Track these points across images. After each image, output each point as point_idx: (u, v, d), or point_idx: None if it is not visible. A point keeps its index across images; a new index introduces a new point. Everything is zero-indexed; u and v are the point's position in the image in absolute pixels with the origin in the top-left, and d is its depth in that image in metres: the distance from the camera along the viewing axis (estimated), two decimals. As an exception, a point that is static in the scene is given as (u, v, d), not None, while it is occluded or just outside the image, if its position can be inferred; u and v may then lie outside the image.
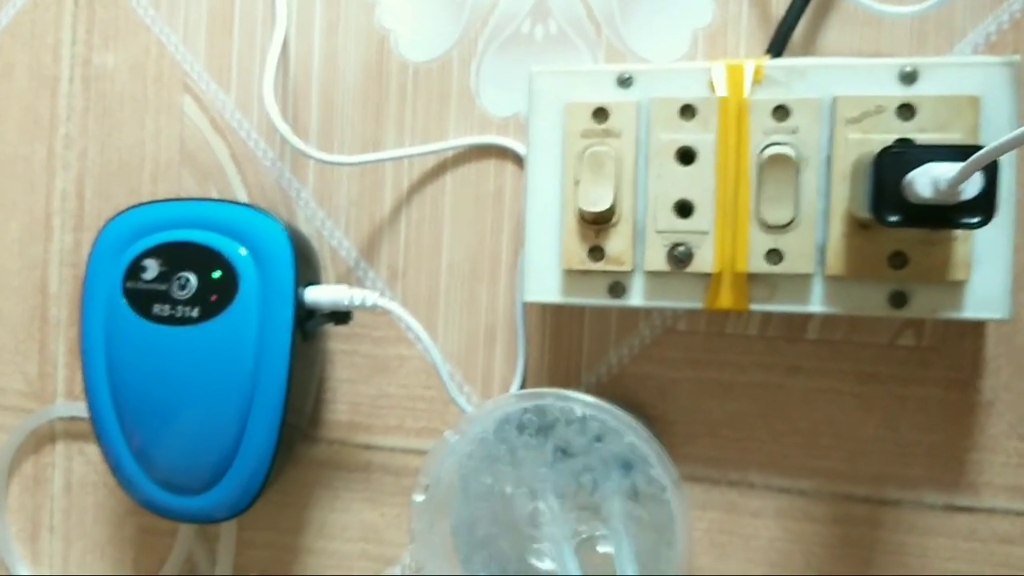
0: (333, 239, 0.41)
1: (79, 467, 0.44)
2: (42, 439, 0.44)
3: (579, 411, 0.29)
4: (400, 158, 0.40)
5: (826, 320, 0.36)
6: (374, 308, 0.36)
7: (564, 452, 0.30)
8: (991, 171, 0.25)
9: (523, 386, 0.39)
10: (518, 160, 0.39)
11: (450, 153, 0.40)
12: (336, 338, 0.41)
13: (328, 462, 0.41)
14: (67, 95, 0.44)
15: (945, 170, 0.24)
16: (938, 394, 0.35)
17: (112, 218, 0.38)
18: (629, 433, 0.28)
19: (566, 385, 0.39)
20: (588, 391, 0.36)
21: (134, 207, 0.38)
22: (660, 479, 0.28)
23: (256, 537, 0.42)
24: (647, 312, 0.38)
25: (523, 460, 0.30)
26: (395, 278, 0.40)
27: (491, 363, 0.40)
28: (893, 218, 0.27)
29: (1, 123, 0.45)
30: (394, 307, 0.36)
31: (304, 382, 0.39)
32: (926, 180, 0.25)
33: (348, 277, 0.41)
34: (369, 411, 0.41)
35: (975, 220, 0.26)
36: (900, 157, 0.26)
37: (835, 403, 0.36)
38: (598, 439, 0.29)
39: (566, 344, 0.39)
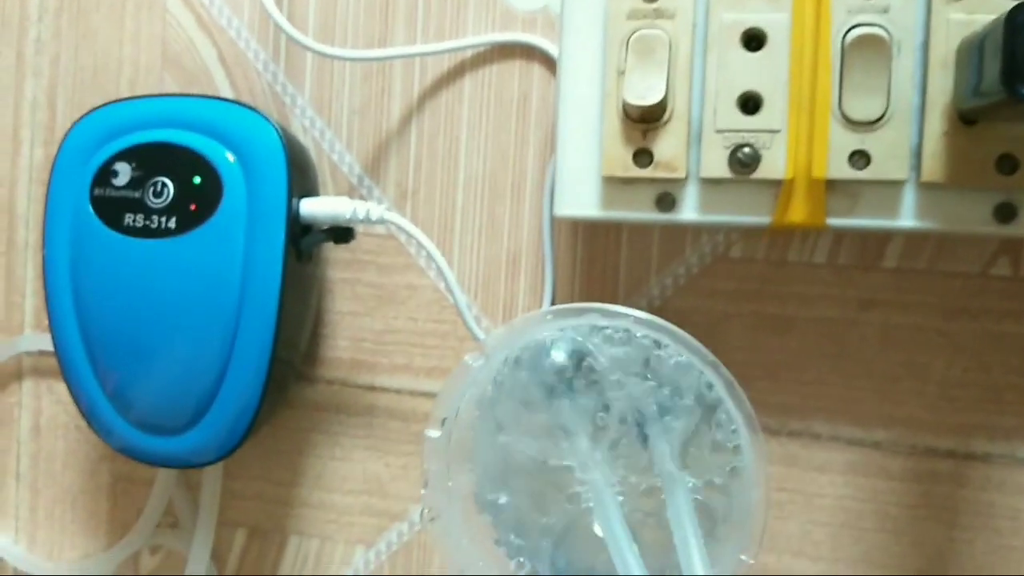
0: (333, 153, 0.35)
1: (48, 407, 0.38)
2: (7, 377, 0.39)
3: (632, 330, 0.23)
4: (410, 56, 0.34)
5: (908, 245, 0.30)
6: (380, 223, 0.31)
7: (608, 382, 0.24)
8: None
9: (550, 320, 0.33)
10: (546, 61, 0.33)
11: (468, 53, 0.34)
12: (336, 265, 0.35)
13: (326, 404, 0.35)
14: (36, -11, 0.38)
15: None
16: (1040, 331, 0.29)
17: (80, 117, 0.32)
18: (692, 359, 0.22)
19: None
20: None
21: (105, 105, 0.32)
22: (731, 418, 0.22)
23: (244, 487, 0.36)
24: (695, 234, 0.32)
25: (558, 391, 0.24)
26: (404, 197, 0.35)
27: (514, 294, 0.34)
28: (1034, 88, 0.21)
29: (-35, 24, 0.39)
30: (404, 222, 0.31)
31: (299, 312, 0.33)
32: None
33: (350, 196, 0.35)
34: (373, 348, 0.35)
35: None
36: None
37: (916, 342, 0.30)
38: (651, 366, 0.24)
39: (600, 273, 0.33)
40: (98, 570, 0.37)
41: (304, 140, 0.35)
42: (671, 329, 0.22)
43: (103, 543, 0.38)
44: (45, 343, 0.37)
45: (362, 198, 0.35)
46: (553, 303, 0.33)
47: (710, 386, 0.23)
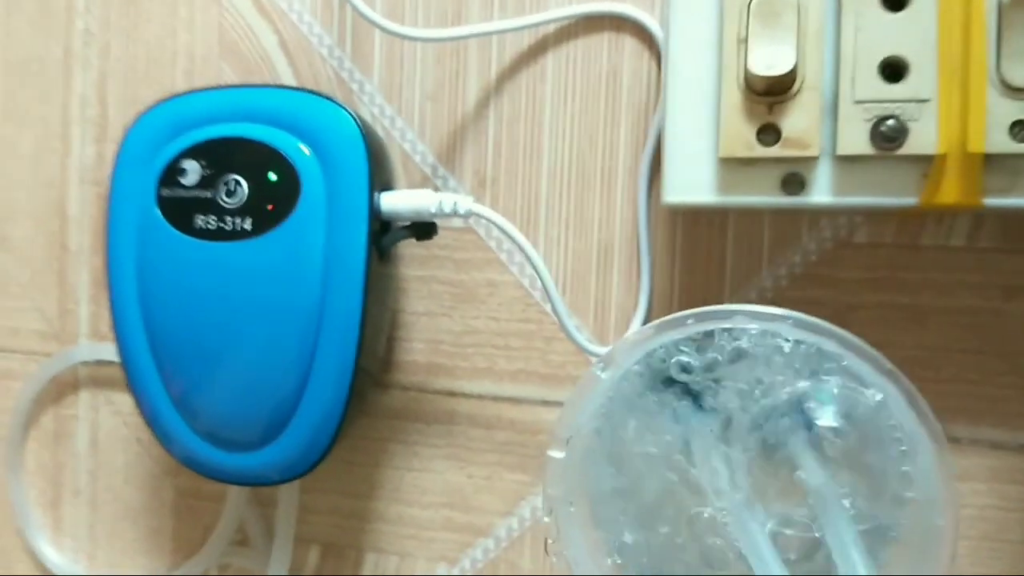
0: (405, 141, 0.32)
1: (107, 420, 0.35)
2: (63, 387, 0.36)
3: (781, 331, 0.20)
4: (487, 34, 0.31)
5: (1057, 225, 0.27)
6: (467, 216, 0.28)
7: (751, 395, 0.21)
8: None
9: (648, 319, 0.30)
10: (639, 32, 0.30)
11: (551, 27, 0.31)
12: (409, 262, 0.32)
13: (403, 412, 0.32)
14: (82, -24, 0.35)
15: None
16: None
17: (142, 112, 0.29)
18: (864, 366, 0.19)
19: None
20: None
21: (169, 98, 0.29)
22: (906, 432, 0.19)
23: (318, 502, 0.33)
24: (813, 218, 0.29)
25: (686, 404, 0.21)
26: (483, 187, 0.32)
27: (606, 290, 0.31)
28: None
29: (8, 19, 0.36)
30: (494, 216, 0.28)
31: (378, 316, 0.30)
32: None
33: (424, 187, 0.32)
34: (452, 350, 0.32)
35: None
36: None
37: (1069, 333, 0.27)
38: (803, 375, 0.20)
39: (703, 264, 0.30)
40: (165, 591, 0.34)
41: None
42: (837, 332, 0.19)
43: (167, 562, 0.35)
44: (103, 352, 0.35)
45: (437, 189, 0.32)
46: (651, 299, 0.30)
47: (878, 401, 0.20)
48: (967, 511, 0.28)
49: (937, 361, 0.28)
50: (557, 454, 0.20)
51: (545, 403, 0.31)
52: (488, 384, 0.32)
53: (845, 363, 0.20)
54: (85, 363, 0.35)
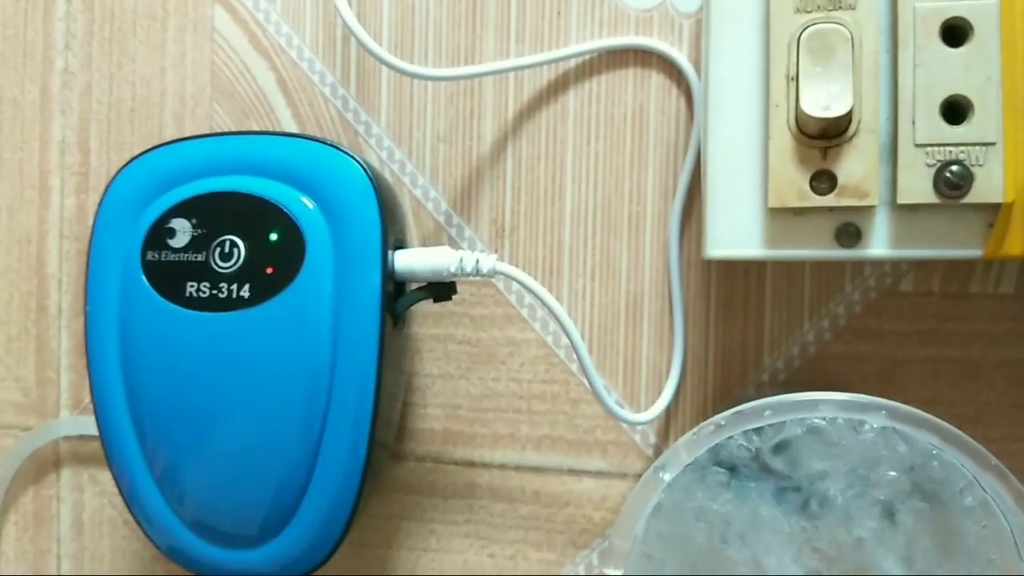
0: (416, 188, 0.31)
1: (91, 500, 0.33)
2: (43, 466, 0.34)
3: (870, 422, 0.18)
4: (503, 71, 0.29)
5: None
6: (491, 276, 0.26)
7: (814, 490, 0.19)
8: None
9: (683, 377, 0.29)
10: (666, 66, 0.29)
11: (572, 63, 0.29)
12: (423, 319, 0.30)
13: (418, 486, 0.31)
14: (65, 17, 0.33)
15: None
16: None
17: (125, 165, 0.28)
18: (966, 463, 0.17)
19: (742, 374, 0.28)
20: (773, 381, 0.26)
21: (155, 148, 0.28)
22: (1011, 535, 0.17)
23: (327, 586, 0.31)
24: (856, 266, 0.27)
25: (762, 509, 0.19)
26: (500, 236, 0.30)
27: (636, 346, 0.29)
28: None
29: (-23, 60, 0.35)
30: (520, 275, 0.26)
31: (394, 384, 0.28)
32: None
33: (437, 237, 0.30)
34: (471, 416, 0.30)
35: None
36: None
37: None
38: (898, 471, 0.19)
39: (740, 316, 0.28)
40: None
41: (380, 176, 0.30)
42: (938, 424, 0.17)
43: (161, 653, 0.33)
44: (86, 427, 0.33)
45: (451, 240, 0.30)
46: (684, 356, 0.29)
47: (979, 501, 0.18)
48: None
49: (988, 418, 0.26)
50: (615, 571, 0.19)
51: (572, 472, 0.30)
52: (510, 452, 0.30)
53: (943, 455, 0.18)
54: (67, 438, 0.33)
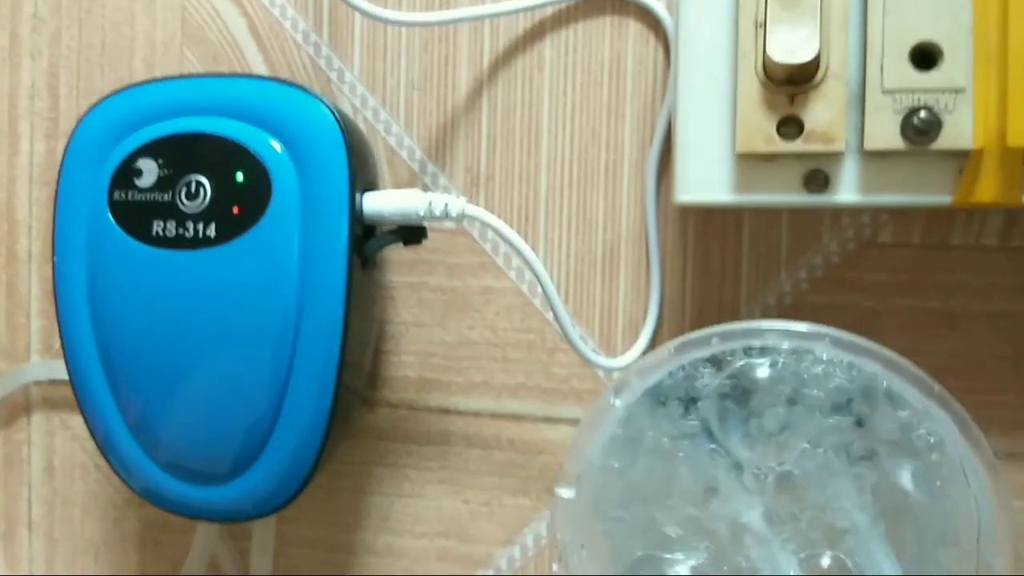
0: (390, 135, 0.31)
1: (63, 445, 0.35)
2: (13, 411, 0.35)
3: (816, 352, 0.19)
4: (479, 18, 0.30)
5: (1102, 222, 0.26)
6: (460, 219, 0.27)
7: (772, 420, 0.20)
8: None
9: (659, 327, 0.30)
10: (643, 16, 0.29)
11: (548, 11, 0.30)
12: (397, 268, 0.31)
13: (392, 432, 0.32)
14: (28, -44, 0.34)
15: None
16: None
17: (93, 105, 0.28)
18: (910, 389, 0.19)
19: (719, 324, 0.29)
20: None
21: (124, 89, 0.28)
22: (960, 465, 0.19)
23: (299, 533, 0.33)
24: (835, 216, 0.28)
25: (707, 433, 0.21)
26: (476, 185, 0.31)
27: (612, 296, 0.30)
28: None
29: (-55, 1, 0.35)
30: (490, 218, 0.27)
31: (362, 329, 0.29)
32: None
33: (411, 185, 0.31)
34: (445, 364, 0.31)
35: None
36: None
37: (1116, 339, 0.27)
38: (843, 403, 0.20)
39: (717, 267, 0.29)
40: (130, 632, 0.34)
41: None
42: (882, 353, 0.19)
43: (134, 600, 0.35)
44: (57, 371, 0.34)
45: (426, 188, 0.31)
46: (661, 305, 0.30)
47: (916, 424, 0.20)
48: (1007, 534, 0.27)
49: (969, 370, 0.27)
50: (566, 493, 0.20)
51: (548, 420, 0.31)
52: (485, 400, 0.31)
53: (888, 386, 0.19)
54: (38, 382, 0.35)
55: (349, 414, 0.30)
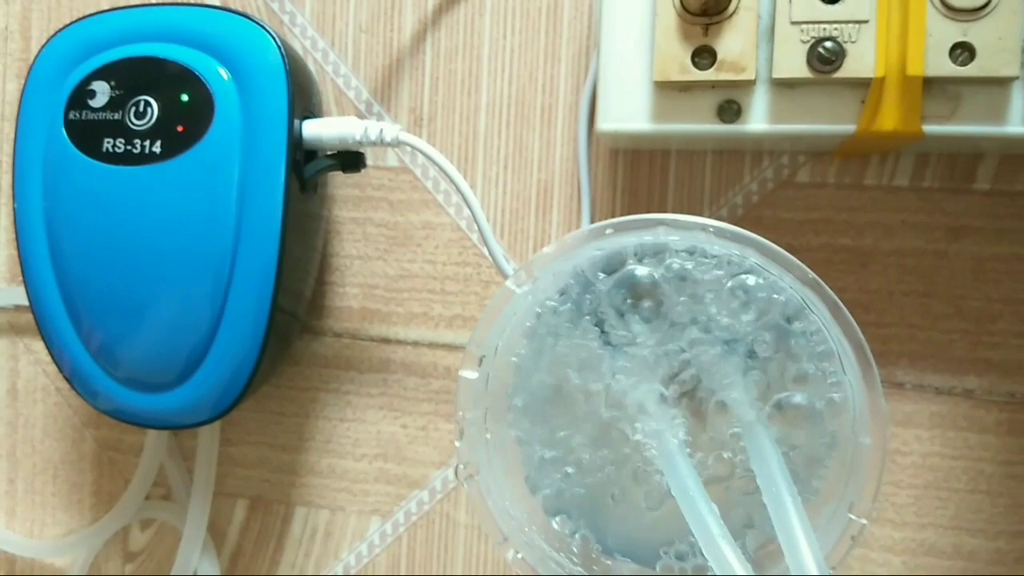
0: (338, 76, 0.31)
1: (26, 368, 0.35)
2: (-19, 335, 0.35)
3: (706, 247, 0.19)
4: (427, -38, 0.30)
5: (1004, 164, 0.27)
6: (397, 144, 0.27)
7: (672, 312, 0.20)
8: None
9: (588, 260, 0.30)
10: (583, -37, 0.29)
11: (492, -44, 0.30)
12: (343, 203, 0.31)
13: (335, 360, 0.32)
14: (2, -100, 0.34)
15: None
16: None
17: (54, 34, 0.28)
18: (785, 278, 0.19)
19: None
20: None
21: (82, 19, 0.28)
22: (834, 348, 0.19)
23: (245, 455, 0.33)
24: (756, 155, 0.28)
25: (615, 323, 0.21)
26: (419, 124, 0.31)
27: (545, 231, 0.30)
28: None
29: (-75, -56, 0.35)
30: (422, 144, 0.27)
31: (303, 256, 0.29)
32: None
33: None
34: (386, 295, 0.31)
35: None
36: None
37: (1015, 275, 0.27)
38: (724, 292, 0.20)
39: (644, 205, 0.29)
40: (84, 547, 0.34)
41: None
42: (760, 241, 0.19)
43: (88, 518, 0.34)
44: (20, 297, 0.34)
45: (372, 126, 0.31)
46: (591, 241, 0.30)
47: (798, 313, 0.20)
48: (911, 459, 0.27)
49: (880, 304, 0.27)
50: (470, 374, 0.20)
51: (481, 350, 0.31)
52: (424, 330, 0.31)
53: (769, 274, 0.19)
54: (3, 308, 0.34)
55: (288, 337, 0.30)
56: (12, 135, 0.34)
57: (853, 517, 0.18)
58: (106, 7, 0.33)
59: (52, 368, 0.34)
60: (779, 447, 0.19)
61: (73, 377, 0.29)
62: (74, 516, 0.35)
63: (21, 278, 0.34)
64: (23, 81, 0.34)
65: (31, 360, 0.35)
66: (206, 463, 0.32)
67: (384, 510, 0.32)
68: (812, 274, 0.18)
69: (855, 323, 0.18)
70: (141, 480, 0.32)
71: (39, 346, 0.34)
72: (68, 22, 0.29)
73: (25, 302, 0.33)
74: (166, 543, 0.34)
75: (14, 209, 0.28)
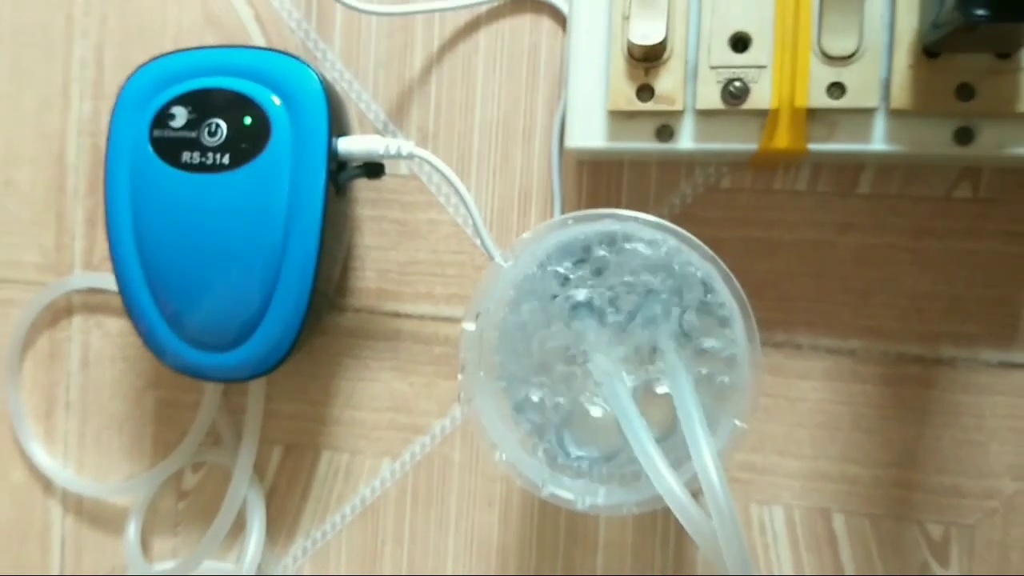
0: (361, 101, 0.38)
1: (96, 341, 0.41)
2: (58, 313, 0.41)
3: (647, 235, 0.26)
4: (431, 12, 0.37)
5: (879, 173, 0.34)
6: (410, 157, 0.34)
7: (619, 281, 0.27)
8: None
9: (560, 250, 0.37)
10: (554, 14, 0.37)
11: (483, 8, 0.37)
12: (364, 204, 0.38)
13: (356, 331, 0.39)
14: (83, -44, 0.41)
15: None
16: (995, 247, 0.33)
17: (139, 67, 0.35)
18: (693, 254, 0.26)
19: (605, 248, 0.36)
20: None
21: (162, 56, 0.35)
22: (727, 311, 0.25)
23: (282, 408, 0.39)
24: (690, 167, 0.35)
25: (575, 292, 0.27)
26: (425, 140, 0.38)
27: (526, 225, 0.37)
28: (981, 11, 0.24)
29: (14, -10, 0.42)
30: (430, 156, 0.34)
31: (334, 246, 0.36)
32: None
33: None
34: (398, 278, 0.38)
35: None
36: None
37: (888, 260, 0.34)
38: (655, 266, 0.27)
39: (603, 203, 0.36)
40: (143, 488, 0.40)
41: (334, 90, 0.38)
42: (675, 229, 0.26)
43: (148, 464, 0.41)
44: (94, 281, 0.40)
45: (388, 143, 0.38)
46: (563, 234, 0.37)
47: (705, 284, 0.27)
48: (807, 405, 0.34)
49: (785, 284, 0.35)
50: (469, 326, 0.27)
51: (474, 323, 0.38)
52: (428, 306, 0.38)
53: (682, 255, 0.26)
54: (78, 291, 0.41)
55: (320, 312, 0.37)
56: (86, 145, 0.41)
57: (737, 423, 0.25)
58: (168, 43, 0.40)
59: (119, 340, 0.41)
60: (692, 379, 0.26)
61: (149, 339, 0.35)
62: (135, 463, 0.41)
63: (95, 266, 0.41)
64: (97, 102, 0.41)
65: (101, 334, 0.41)
66: (255, 412, 0.38)
67: (394, 452, 0.38)
68: (711, 252, 0.25)
69: (742, 290, 0.25)
70: (198, 429, 0.39)
71: (109, 322, 0.41)
72: (148, 58, 0.36)
73: (98, 285, 0.40)
74: (212, 482, 0.40)
75: (105, 205, 0.35)
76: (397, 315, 0.38)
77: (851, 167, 0.34)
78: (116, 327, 0.41)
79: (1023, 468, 0.33)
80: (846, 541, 0.34)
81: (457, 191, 0.34)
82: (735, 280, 0.25)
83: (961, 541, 0.33)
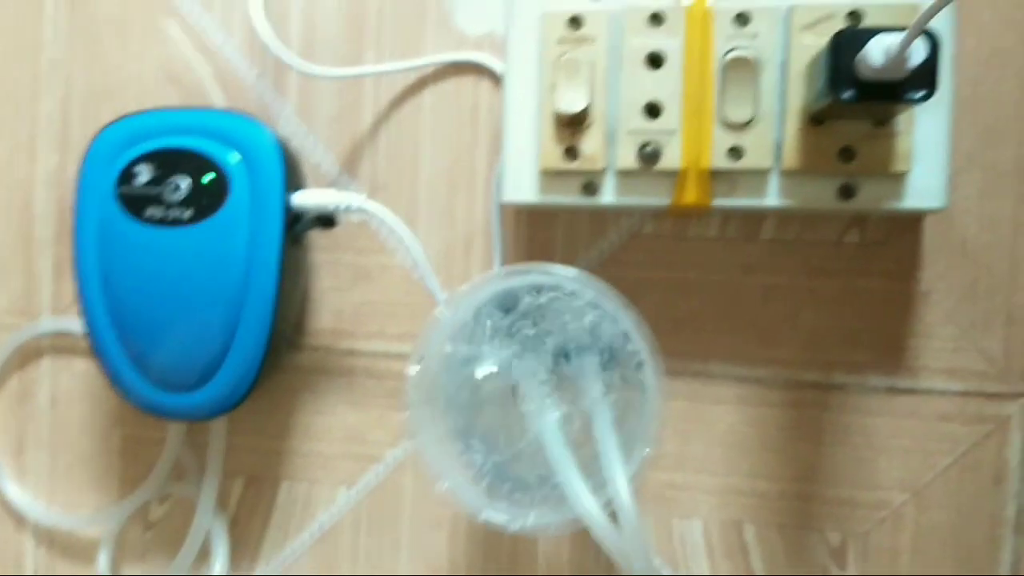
0: (315, 154, 0.41)
1: (65, 381, 0.43)
2: (28, 355, 0.43)
3: (568, 287, 0.29)
4: (379, 73, 0.40)
5: (780, 221, 0.38)
6: (360, 210, 0.37)
7: (546, 331, 0.30)
8: (933, 45, 0.26)
9: (500, 291, 0.40)
10: (493, 77, 0.40)
11: (428, 70, 0.40)
12: (320, 249, 0.41)
13: (313, 368, 0.41)
14: (52, 18, 0.43)
15: (895, 38, 0.26)
16: (881, 285, 0.37)
17: (106, 125, 0.37)
18: (607, 304, 0.29)
19: (540, 288, 0.39)
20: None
21: (128, 115, 0.37)
22: (637, 348, 0.29)
23: (244, 441, 0.42)
24: (616, 217, 0.39)
25: (503, 337, 0.31)
26: (376, 191, 0.41)
27: (468, 269, 0.40)
28: (848, 93, 0.28)
29: (-19, 47, 0.44)
30: (378, 208, 0.37)
31: (291, 290, 0.39)
32: (878, 49, 0.26)
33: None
34: (352, 318, 0.41)
35: (920, 94, 0.27)
36: (855, 35, 0.28)
37: (788, 297, 0.38)
38: (581, 317, 0.30)
39: (540, 249, 0.40)
40: (112, 520, 0.42)
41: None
42: (594, 283, 0.29)
43: (116, 497, 0.43)
44: (62, 325, 0.42)
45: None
46: (502, 276, 0.40)
47: (624, 333, 0.30)
48: (720, 427, 0.38)
49: (699, 319, 0.38)
50: (414, 369, 0.30)
51: (423, 358, 0.40)
52: (380, 344, 0.41)
53: (600, 306, 0.30)
54: (47, 334, 0.43)
55: (279, 351, 0.39)
56: (52, 197, 0.43)
57: (646, 450, 0.28)
58: (130, 99, 0.42)
59: (87, 380, 0.43)
60: (612, 412, 0.29)
61: (115, 380, 0.37)
62: (104, 497, 0.43)
63: (63, 310, 0.43)
64: (63, 155, 0.43)
65: (70, 375, 0.43)
66: (217, 447, 0.41)
67: (350, 480, 0.41)
68: (623, 301, 0.29)
69: (648, 334, 0.28)
70: (163, 463, 0.41)
71: (77, 363, 0.43)
72: (102, 118, 0.38)
73: (66, 328, 0.42)
74: (178, 513, 0.42)
75: (73, 256, 0.37)
76: (352, 352, 0.41)
77: (755, 216, 0.38)
78: (84, 368, 0.43)
79: (909, 481, 0.37)
80: (756, 550, 0.38)
81: (403, 240, 0.37)
82: (645, 327, 0.29)
83: (856, 547, 0.37)
